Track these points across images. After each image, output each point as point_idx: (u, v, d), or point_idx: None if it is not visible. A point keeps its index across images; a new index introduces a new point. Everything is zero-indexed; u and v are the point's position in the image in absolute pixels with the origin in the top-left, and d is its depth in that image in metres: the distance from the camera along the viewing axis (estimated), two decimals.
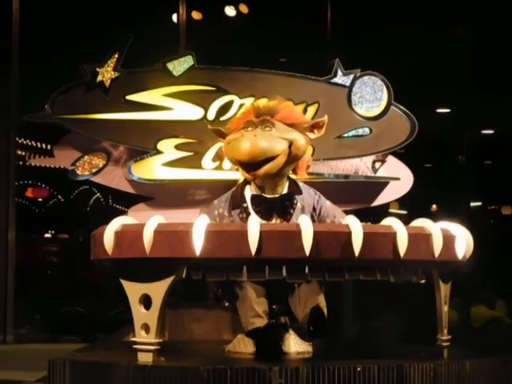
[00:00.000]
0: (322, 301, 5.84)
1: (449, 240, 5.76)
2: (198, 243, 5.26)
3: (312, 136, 6.00)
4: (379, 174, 8.24)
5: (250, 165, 5.70)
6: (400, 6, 10.01)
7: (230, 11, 11.37)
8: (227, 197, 6.07)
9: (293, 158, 5.87)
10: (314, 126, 6.01)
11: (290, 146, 5.79)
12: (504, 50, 10.60)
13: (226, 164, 7.83)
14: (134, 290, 5.55)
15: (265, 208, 5.92)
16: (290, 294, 5.86)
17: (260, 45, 9.98)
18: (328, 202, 6.15)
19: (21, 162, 10.96)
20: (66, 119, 8.00)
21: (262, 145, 5.63)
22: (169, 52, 8.45)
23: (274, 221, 5.88)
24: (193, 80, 8.11)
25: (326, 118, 6.10)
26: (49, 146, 8.54)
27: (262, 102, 6.10)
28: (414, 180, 8.32)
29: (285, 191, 6.00)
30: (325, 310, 5.79)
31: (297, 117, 6.14)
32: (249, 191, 6.01)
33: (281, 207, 5.92)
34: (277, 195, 5.96)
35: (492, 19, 10.30)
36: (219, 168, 7.91)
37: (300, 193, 6.03)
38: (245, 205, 5.92)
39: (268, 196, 5.96)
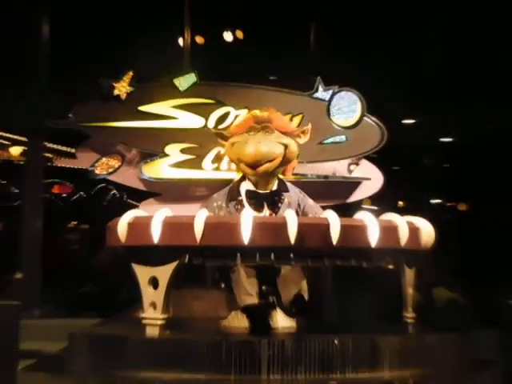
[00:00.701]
0: (304, 285, 5.88)
1: (413, 231, 5.74)
2: (198, 233, 5.24)
3: (300, 141, 6.14)
4: (354, 174, 8.25)
5: (253, 164, 5.86)
6: (370, 33, 9.97)
7: (227, 36, 11.35)
8: (225, 191, 6.17)
9: (286, 160, 6.03)
10: (302, 133, 6.15)
11: (285, 150, 5.96)
12: (459, 72, 10.56)
13: (223, 165, 7.86)
14: (143, 273, 5.52)
15: (257, 201, 6.01)
16: (277, 277, 5.86)
17: (253, 64, 9.95)
18: (310, 201, 6.24)
19: (48, 163, 10.90)
20: (87, 126, 7.98)
21: (264, 149, 5.85)
22: (175, 70, 8.43)
23: (264, 212, 5.97)
24: (195, 94, 8.12)
25: (309, 125, 6.26)
26: (72, 150, 8.47)
27: (259, 112, 6.15)
28: (383, 180, 8.30)
29: (274, 188, 6.12)
30: (306, 294, 5.82)
31: (288, 126, 6.34)
32: (244, 187, 6.10)
33: (271, 201, 6.04)
34: (268, 191, 6.08)
35: (451, 44, 10.25)
36: (217, 169, 7.92)
37: (287, 190, 6.16)
38: (240, 198, 6.04)
39: (260, 191, 6.06)
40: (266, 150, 5.89)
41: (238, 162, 6.02)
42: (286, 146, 5.98)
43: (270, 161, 5.93)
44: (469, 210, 17.79)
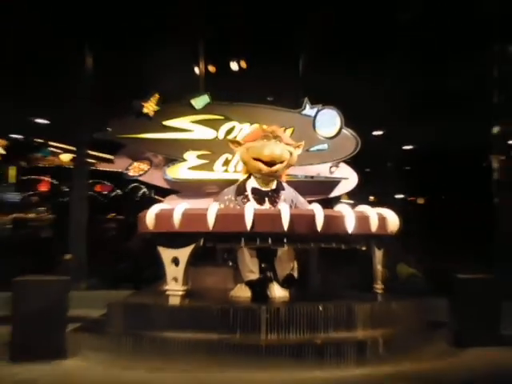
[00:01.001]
0: (294, 263, 5.88)
1: (381, 220, 5.73)
2: (210, 222, 5.23)
3: (297, 152, 6.36)
4: (334, 175, 8.20)
5: (268, 163, 6.04)
6: (348, 58, 9.92)
7: (233, 66, 11.31)
8: (234, 188, 6.27)
9: (288, 165, 6.26)
10: (298, 147, 6.36)
11: (290, 156, 6.21)
12: (419, 90, 10.51)
13: (231, 168, 7.86)
14: (167, 254, 5.52)
15: (260, 197, 6.10)
16: (274, 257, 5.85)
17: (254, 88, 9.89)
18: (301, 198, 6.35)
19: (91, 167, 10.86)
20: (122, 138, 7.94)
21: (278, 152, 6.08)
22: (192, 92, 8.37)
23: (265, 205, 6.00)
24: (208, 111, 8.07)
25: (303, 142, 6.51)
26: (110, 156, 8.43)
27: (266, 127, 6.37)
28: (357, 179, 8.26)
29: (274, 187, 6.25)
30: (295, 272, 5.83)
31: (290, 140, 6.47)
32: (249, 184, 6.20)
33: (271, 197, 6.09)
34: (269, 189, 6.17)
35: (410, 68, 10.19)
36: (226, 171, 7.90)
37: (283, 189, 6.28)
38: (246, 193, 6.13)
39: (263, 189, 6.16)
40: (280, 153, 6.07)
41: (254, 161, 6.11)
42: (290, 153, 6.19)
43: (281, 162, 6.12)
44: (425, 203, 17.76)
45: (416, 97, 10.45)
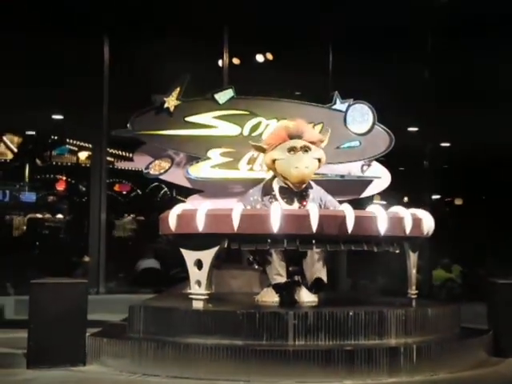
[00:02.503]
0: (323, 267, 5.89)
1: (416, 221, 5.74)
2: (235, 223, 5.28)
3: (322, 146, 6.25)
4: (366, 174, 8.19)
5: (298, 184, 6.04)
6: (378, 53, 9.94)
7: (259, 58, 11.35)
8: (260, 187, 6.26)
9: (317, 169, 6.26)
10: (323, 140, 6.27)
11: (318, 162, 6.15)
12: (457, 85, 10.49)
13: (256, 166, 7.86)
14: (190, 256, 5.57)
15: (289, 196, 6.10)
16: (303, 260, 5.88)
17: (281, 81, 9.92)
18: (330, 196, 6.34)
19: (110, 166, 10.97)
20: (142, 134, 8.00)
21: (307, 172, 6.01)
22: (216, 86, 8.42)
23: (294, 205, 6.02)
24: (233, 106, 8.07)
25: (329, 130, 6.53)
26: (130, 154, 8.50)
27: (290, 124, 6.23)
28: (391, 179, 8.26)
29: (303, 186, 6.10)
30: (324, 276, 5.85)
31: (316, 136, 6.41)
32: (276, 184, 6.19)
33: (299, 197, 6.10)
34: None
35: (447, 60, 10.18)
36: (251, 169, 7.90)
37: (311, 188, 6.25)
38: (273, 193, 6.12)
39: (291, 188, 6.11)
40: (309, 172, 6.06)
41: (283, 178, 6.09)
42: (319, 160, 6.14)
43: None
44: (463, 204, 17.67)
45: (454, 90, 10.43)
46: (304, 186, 6.09)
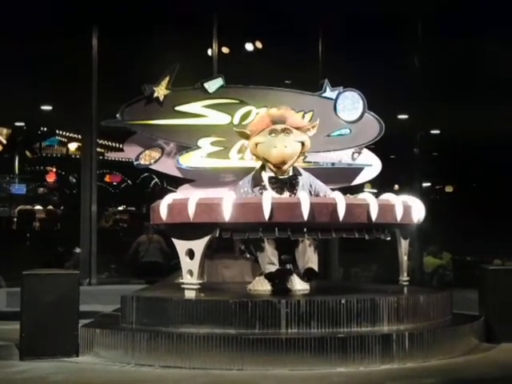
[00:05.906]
0: (315, 255, 5.89)
1: (407, 209, 5.75)
2: (227, 212, 5.27)
3: (310, 134, 6.22)
4: (357, 162, 8.20)
5: (279, 164, 6.03)
6: (369, 41, 9.94)
7: (248, 46, 11.34)
8: (249, 179, 6.23)
9: (302, 154, 6.18)
10: (312, 127, 6.23)
11: (302, 146, 6.09)
12: (447, 73, 10.51)
13: (247, 155, 7.84)
14: (181, 246, 5.57)
15: (278, 185, 6.08)
16: (294, 248, 5.88)
17: (270, 70, 9.90)
18: (320, 182, 6.30)
19: (100, 156, 10.94)
20: (132, 124, 7.98)
21: (288, 152, 5.98)
22: (205, 75, 8.40)
23: (284, 194, 6.00)
24: (222, 95, 8.07)
25: (318, 120, 6.44)
26: (120, 144, 8.47)
27: (274, 111, 6.20)
28: (381, 166, 8.27)
29: (291, 174, 6.17)
30: (315, 265, 5.83)
31: (301, 122, 6.42)
32: (265, 174, 6.17)
33: (289, 184, 6.08)
34: (286, 176, 6.12)
35: (437, 48, 10.19)
36: (242, 158, 7.89)
37: (300, 174, 6.24)
38: (263, 183, 6.12)
39: (280, 177, 6.11)
40: (290, 153, 6.01)
41: (264, 160, 6.07)
42: (302, 143, 6.10)
43: (291, 158, 6.07)
44: (454, 192, 17.73)
45: (444, 78, 10.45)
46: (286, 166, 6.05)
